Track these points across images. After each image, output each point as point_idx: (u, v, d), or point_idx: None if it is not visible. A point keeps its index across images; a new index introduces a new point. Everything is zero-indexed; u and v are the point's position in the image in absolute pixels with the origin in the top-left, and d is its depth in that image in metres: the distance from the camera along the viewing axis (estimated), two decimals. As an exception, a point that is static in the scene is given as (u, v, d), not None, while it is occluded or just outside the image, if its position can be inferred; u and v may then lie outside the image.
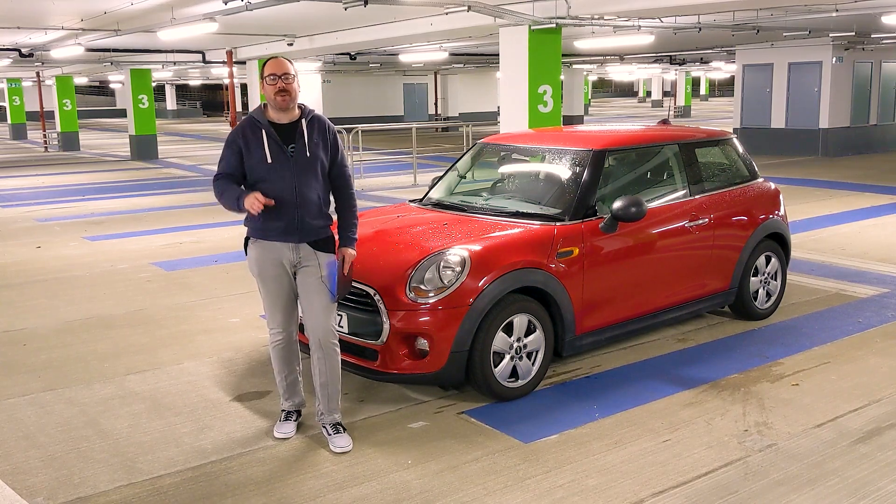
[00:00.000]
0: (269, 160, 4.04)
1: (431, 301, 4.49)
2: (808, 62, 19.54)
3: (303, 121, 4.13)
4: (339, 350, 4.26)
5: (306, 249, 4.13)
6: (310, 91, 21.67)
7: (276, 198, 4.03)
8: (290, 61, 4.12)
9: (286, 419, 4.40)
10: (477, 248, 4.70)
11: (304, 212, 4.07)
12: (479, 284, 4.52)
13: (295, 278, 4.18)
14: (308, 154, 4.08)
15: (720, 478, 3.80)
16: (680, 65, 31.85)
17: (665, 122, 7.02)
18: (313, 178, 4.10)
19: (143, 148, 22.91)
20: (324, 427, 4.28)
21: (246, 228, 4.22)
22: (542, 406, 4.69)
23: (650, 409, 4.64)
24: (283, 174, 4.05)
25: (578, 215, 5.10)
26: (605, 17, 10.73)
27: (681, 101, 44.88)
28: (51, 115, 27.83)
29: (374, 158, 21.03)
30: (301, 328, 4.42)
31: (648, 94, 64.46)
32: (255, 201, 3.91)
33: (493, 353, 4.60)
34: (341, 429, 4.26)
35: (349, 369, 4.74)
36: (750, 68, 20.89)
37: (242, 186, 4.12)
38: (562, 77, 13.72)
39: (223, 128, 37.18)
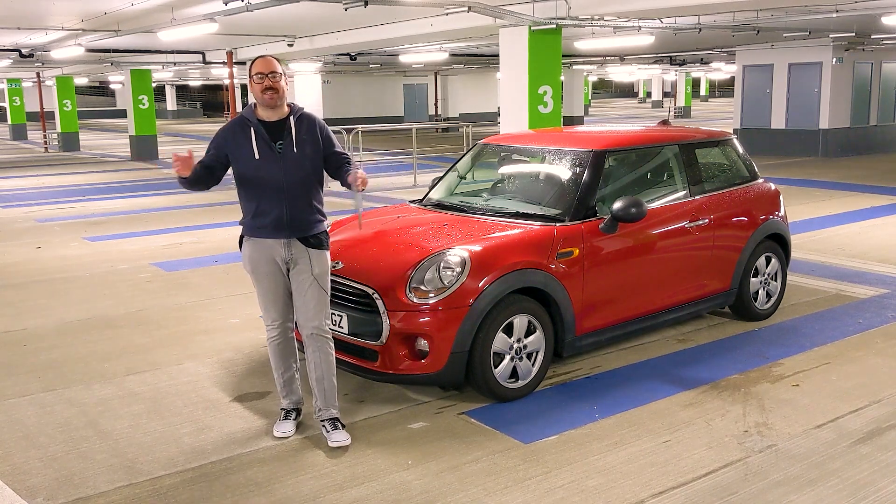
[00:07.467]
0: (257, 156, 4.09)
1: (431, 301, 4.49)
2: (808, 63, 19.54)
3: (291, 118, 4.18)
4: (332, 343, 4.29)
5: (298, 247, 4.15)
6: (310, 92, 21.68)
7: (265, 194, 4.10)
8: (277, 60, 4.17)
9: (285, 418, 4.42)
10: (477, 248, 4.70)
11: (292, 207, 4.11)
12: (480, 285, 4.52)
13: (288, 276, 4.20)
14: (296, 150, 4.12)
15: (720, 478, 3.80)
16: (680, 65, 31.87)
17: (665, 122, 7.03)
18: (303, 174, 4.14)
19: (143, 148, 22.92)
20: (322, 424, 4.29)
21: (241, 227, 4.26)
22: (542, 406, 4.68)
23: (650, 409, 4.64)
24: (271, 170, 4.09)
25: (578, 216, 5.10)
26: (605, 18, 10.74)
27: (681, 102, 44.91)
28: (51, 115, 27.85)
29: (375, 159, 21.04)
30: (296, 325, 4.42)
31: (648, 94, 64.46)
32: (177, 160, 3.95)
33: (494, 353, 4.60)
34: (339, 424, 4.28)
35: (349, 370, 4.75)
36: (750, 69, 20.90)
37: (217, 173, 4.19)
38: (562, 78, 13.71)
39: (223, 128, 37.05)
